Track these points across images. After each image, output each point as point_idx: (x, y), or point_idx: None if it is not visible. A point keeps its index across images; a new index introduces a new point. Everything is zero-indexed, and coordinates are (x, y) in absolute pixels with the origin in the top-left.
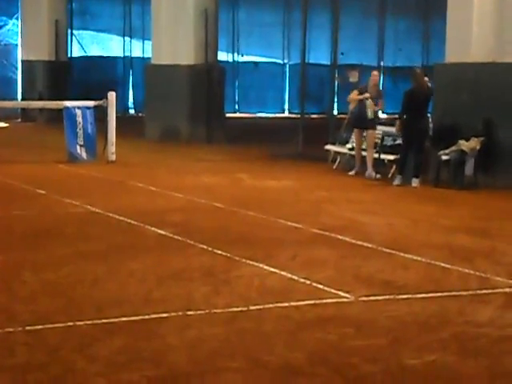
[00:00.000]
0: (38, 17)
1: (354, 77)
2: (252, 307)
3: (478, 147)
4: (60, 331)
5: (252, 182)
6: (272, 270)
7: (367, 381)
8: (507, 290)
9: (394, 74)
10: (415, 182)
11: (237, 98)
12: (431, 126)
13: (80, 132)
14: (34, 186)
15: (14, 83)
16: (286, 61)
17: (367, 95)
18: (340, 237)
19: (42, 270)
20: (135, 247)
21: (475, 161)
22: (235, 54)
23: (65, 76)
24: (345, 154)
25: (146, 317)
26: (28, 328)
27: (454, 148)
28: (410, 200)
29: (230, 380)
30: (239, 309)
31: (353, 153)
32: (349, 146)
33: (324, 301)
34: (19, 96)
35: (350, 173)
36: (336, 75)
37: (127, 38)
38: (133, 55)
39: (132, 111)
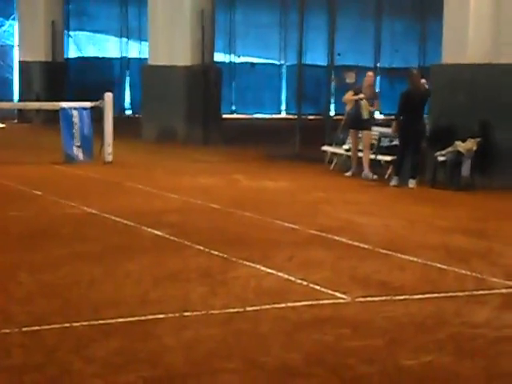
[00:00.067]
0: (35, 18)
1: (350, 78)
2: (249, 308)
3: (474, 148)
4: (56, 332)
5: (249, 183)
6: (269, 270)
7: (364, 381)
8: (504, 290)
9: (390, 75)
10: (412, 183)
11: (233, 98)
12: (428, 127)
13: (76, 133)
14: (31, 187)
15: (10, 84)
16: (282, 62)
17: (362, 96)
18: (336, 238)
19: (39, 271)
20: (131, 248)
21: (472, 162)
22: (232, 55)
23: (61, 77)
24: (341, 154)
25: (143, 318)
26: (24, 329)
27: (450, 149)
28: (407, 201)
29: (227, 381)
30: (236, 310)
31: (349, 154)
32: (345, 146)
33: (321, 302)
34: (16, 97)
35: (347, 174)
36: (333, 76)
37: (124, 39)
38: (129, 56)
39: (129, 112)
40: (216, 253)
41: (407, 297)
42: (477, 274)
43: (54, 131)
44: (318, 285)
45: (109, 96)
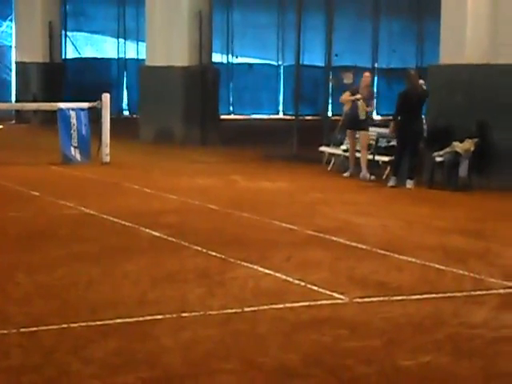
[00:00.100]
0: (32, 18)
1: (348, 78)
2: (246, 309)
3: (472, 149)
4: (54, 333)
5: (246, 184)
6: (266, 271)
7: (362, 382)
8: (501, 291)
9: (388, 76)
10: (409, 184)
11: (231, 99)
12: (425, 127)
13: (74, 134)
14: (28, 188)
15: (8, 85)
16: (280, 62)
17: (358, 96)
18: (334, 238)
19: (36, 272)
20: (129, 249)
21: (469, 162)
22: (229, 56)
23: (59, 78)
24: (339, 155)
25: (141, 318)
26: (22, 330)
27: (448, 149)
28: (405, 201)
29: (225, 382)
30: (234, 310)
31: (347, 154)
32: (343, 147)
33: (318, 302)
34: (13, 98)
35: (345, 174)
36: (330, 77)
37: (121, 40)
38: (127, 57)
39: (126, 113)
40: (214, 253)
41: (405, 297)
42: (475, 274)
43: (52, 132)
44: (315, 285)
45: (106, 97)
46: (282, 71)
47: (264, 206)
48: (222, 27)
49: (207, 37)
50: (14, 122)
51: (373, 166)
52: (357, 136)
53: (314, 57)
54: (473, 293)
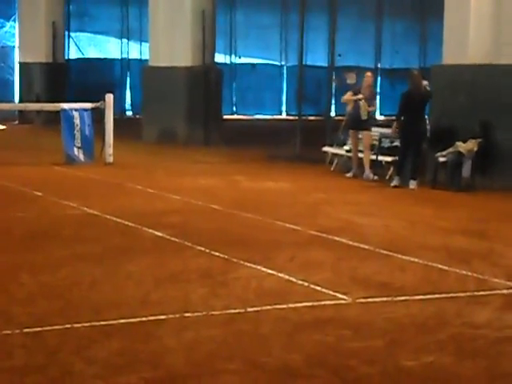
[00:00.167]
0: (36, 19)
1: (351, 79)
2: (249, 309)
3: (475, 149)
4: (58, 333)
5: (249, 184)
6: (270, 271)
7: (365, 382)
8: (505, 291)
9: (391, 76)
10: (413, 184)
11: (234, 99)
12: (428, 127)
13: (77, 134)
14: (32, 188)
15: (11, 85)
16: (283, 62)
17: (360, 96)
18: (337, 238)
19: (40, 272)
20: (132, 249)
21: (472, 162)
22: (233, 56)
23: (62, 78)
24: (342, 155)
25: (144, 319)
26: (26, 330)
27: (451, 150)
28: (408, 202)
29: (228, 382)
30: (237, 311)
31: (350, 154)
32: (346, 147)
33: (321, 303)
34: (16, 98)
35: (348, 174)
36: (333, 77)
37: (124, 40)
38: (130, 57)
39: (129, 113)
40: (217, 254)
41: (408, 297)
42: (478, 274)
43: (55, 132)
44: (318, 286)
45: (109, 97)
46: (285, 71)
47: (267, 206)
48: (225, 27)
49: (210, 37)
50: (17, 122)
51: (376, 166)
52: (360, 136)
53: (317, 57)
54: (476, 293)
